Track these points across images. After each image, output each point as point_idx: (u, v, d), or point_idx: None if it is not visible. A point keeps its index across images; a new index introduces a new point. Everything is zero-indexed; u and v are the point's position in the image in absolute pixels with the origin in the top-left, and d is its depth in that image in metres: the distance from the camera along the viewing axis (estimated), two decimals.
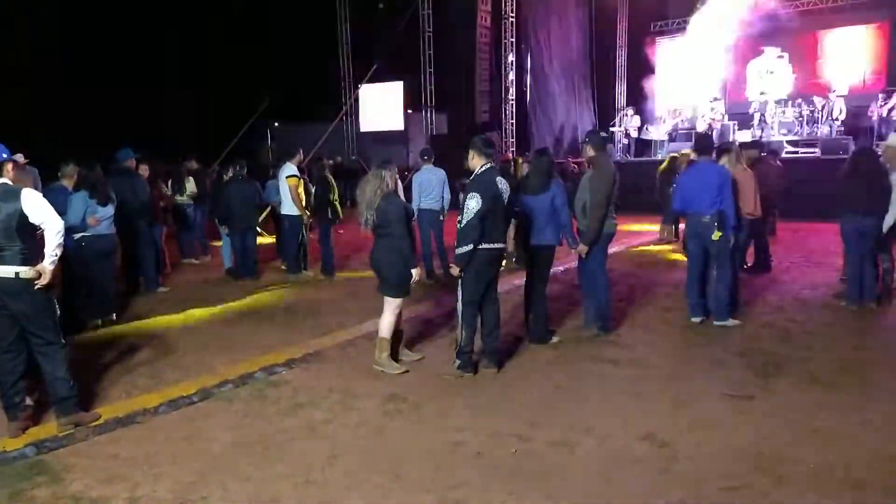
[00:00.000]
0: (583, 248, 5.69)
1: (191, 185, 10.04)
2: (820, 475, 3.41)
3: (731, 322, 6.08)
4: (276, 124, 23.74)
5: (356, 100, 21.03)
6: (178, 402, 4.52)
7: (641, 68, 19.06)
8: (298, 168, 8.53)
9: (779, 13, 15.63)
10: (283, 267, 9.05)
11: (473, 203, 4.65)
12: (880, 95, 15.04)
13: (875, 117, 14.80)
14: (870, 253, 6.44)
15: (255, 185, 8.97)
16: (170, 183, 9.89)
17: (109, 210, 6.51)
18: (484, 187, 4.72)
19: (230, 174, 9.12)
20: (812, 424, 4.00)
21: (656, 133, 17.75)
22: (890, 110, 14.61)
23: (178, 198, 9.91)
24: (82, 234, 6.21)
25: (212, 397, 4.62)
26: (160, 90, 20.76)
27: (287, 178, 8.29)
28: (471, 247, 4.70)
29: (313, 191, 8.69)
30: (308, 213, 8.51)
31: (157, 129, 20.03)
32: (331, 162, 18.45)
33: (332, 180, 8.78)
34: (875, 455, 3.60)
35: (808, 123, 15.75)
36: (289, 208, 8.42)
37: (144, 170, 8.42)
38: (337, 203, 8.66)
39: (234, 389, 4.75)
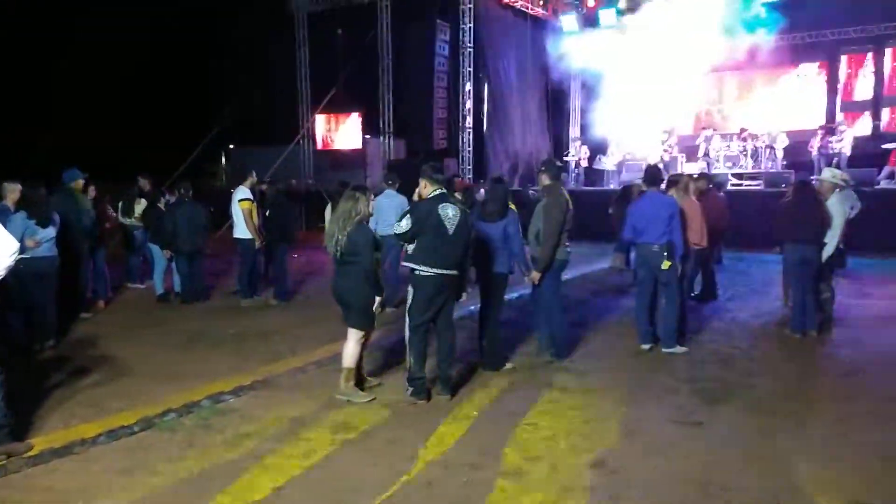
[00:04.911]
0: (536, 275, 5.75)
1: (141, 207, 9.74)
2: (765, 501, 3.47)
3: (678, 349, 6.20)
4: (232, 146, 23.43)
5: (313, 123, 20.96)
6: (118, 432, 4.34)
7: (594, 100, 19.53)
8: (252, 191, 8.41)
9: (728, 53, 16.27)
10: (235, 291, 8.86)
11: (404, 223, 4.86)
12: (819, 132, 15.80)
13: (814, 153, 15.51)
14: (812, 282, 6.68)
15: (202, 207, 8.79)
16: (120, 204, 9.62)
17: (50, 232, 6.28)
18: (422, 212, 4.83)
19: (174, 197, 8.90)
20: (757, 450, 4.09)
21: (608, 163, 18.20)
22: (828, 146, 15.34)
23: (127, 220, 9.62)
24: (21, 255, 5.96)
25: (154, 427, 4.45)
26: (112, 109, 20.31)
27: (239, 201, 8.17)
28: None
29: (267, 214, 8.57)
30: (261, 237, 8.37)
31: (109, 148, 19.55)
32: (293, 182, 18.30)
33: (288, 203, 8.69)
34: (818, 480, 3.69)
35: (751, 157, 16.39)
36: (241, 232, 8.28)
37: (92, 190, 8.19)
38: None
39: (178, 419, 4.59)
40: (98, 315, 7.92)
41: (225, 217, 9.38)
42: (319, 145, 21.85)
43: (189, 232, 8.39)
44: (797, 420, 4.58)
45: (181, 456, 4.02)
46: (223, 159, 23.49)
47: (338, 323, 5.05)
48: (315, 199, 17.71)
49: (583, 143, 19.08)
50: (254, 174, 8.60)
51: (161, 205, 8.98)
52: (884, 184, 14.01)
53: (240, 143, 23.00)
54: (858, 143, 15.85)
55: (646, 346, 6.28)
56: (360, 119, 21.49)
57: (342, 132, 22.07)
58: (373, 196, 5.08)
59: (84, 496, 3.51)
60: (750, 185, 15.34)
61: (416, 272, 4.86)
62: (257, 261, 8.60)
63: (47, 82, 19.40)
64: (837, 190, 6.83)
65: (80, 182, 7.78)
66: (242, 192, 8.28)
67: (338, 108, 20.67)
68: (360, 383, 5.09)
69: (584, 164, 18.77)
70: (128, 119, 20.85)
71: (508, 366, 5.74)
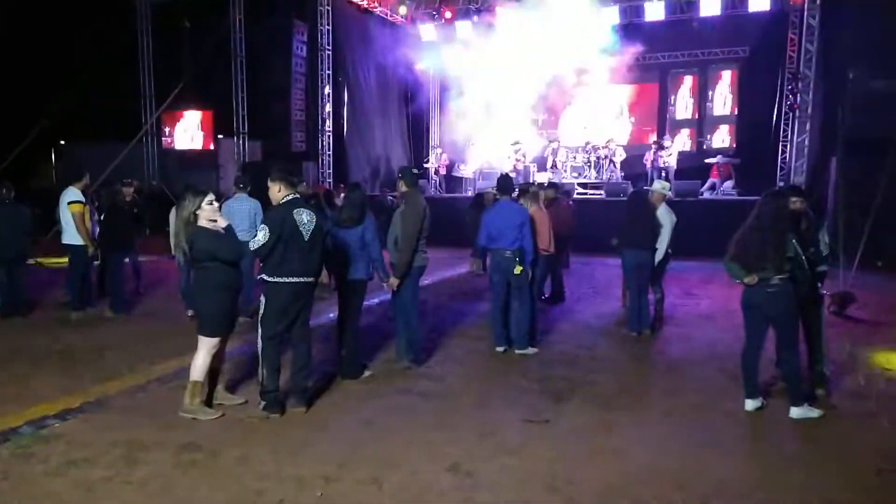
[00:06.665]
0: (394, 281, 5.76)
1: None
2: (603, 493, 3.70)
3: (530, 350, 6.49)
4: (63, 143, 21.27)
5: (158, 120, 19.57)
6: None
7: (452, 108, 19.98)
8: (84, 193, 7.68)
9: (574, 70, 17.37)
10: (65, 303, 8.03)
11: (261, 235, 4.62)
12: (652, 146, 17.31)
13: (648, 165, 16.97)
14: (646, 285, 7.27)
15: (26, 210, 7.90)
16: None
17: None
18: (277, 221, 4.65)
19: None
20: (597, 444, 4.36)
21: (466, 171, 18.73)
22: (659, 159, 16.84)
23: None
24: None
25: None
26: None
27: (69, 203, 7.42)
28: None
29: (101, 218, 7.87)
30: (93, 244, 7.66)
31: None
32: (135, 183, 16.89)
33: (126, 207, 8.03)
34: (650, 470, 3.99)
35: (594, 168, 17.61)
36: (71, 237, 7.52)
37: None
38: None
39: None
40: None
41: (52, 221, 8.48)
42: (165, 144, 20.46)
43: (9, 237, 7.53)
44: (633, 414, 4.94)
45: None
46: (53, 157, 21.27)
47: (183, 336, 4.74)
48: (159, 201, 16.56)
49: (443, 151, 19.48)
50: (86, 175, 7.86)
51: None
52: (706, 195, 15.62)
53: (73, 139, 20.96)
54: (684, 157, 17.57)
55: (500, 349, 6.50)
56: (211, 118, 20.40)
57: (191, 131, 20.81)
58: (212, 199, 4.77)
59: None
60: (594, 194, 16.44)
61: (270, 280, 4.68)
62: (89, 269, 7.85)
63: None
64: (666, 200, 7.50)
65: None
66: (73, 193, 7.52)
67: (186, 105, 19.44)
68: (209, 401, 4.80)
69: (444, 171, 19.17)
70: None
71: (367, 373, 5.69)
